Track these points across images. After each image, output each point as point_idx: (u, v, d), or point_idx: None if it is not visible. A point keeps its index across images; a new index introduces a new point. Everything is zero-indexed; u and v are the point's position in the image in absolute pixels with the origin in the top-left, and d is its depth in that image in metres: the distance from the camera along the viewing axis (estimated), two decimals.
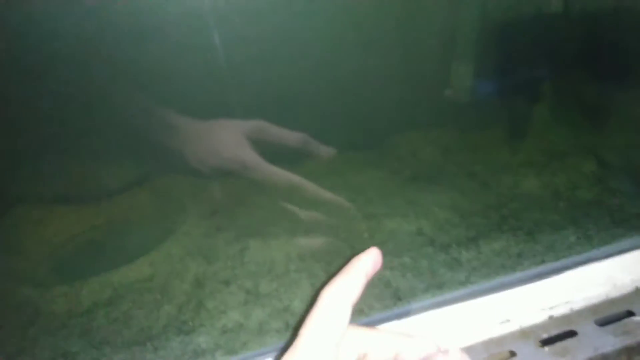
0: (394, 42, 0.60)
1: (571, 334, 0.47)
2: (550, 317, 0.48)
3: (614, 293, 0.49)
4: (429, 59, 0.61)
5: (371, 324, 0.45)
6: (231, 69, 0.50)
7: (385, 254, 0.51)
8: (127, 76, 0.47)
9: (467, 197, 0.57)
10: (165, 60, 0.47)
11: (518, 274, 0.48)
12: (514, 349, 0.46)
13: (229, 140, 0.50)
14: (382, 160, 0.64)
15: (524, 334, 0.47)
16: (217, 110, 0.48)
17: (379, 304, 0.46)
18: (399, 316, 0.46)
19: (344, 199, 0.56)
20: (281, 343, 0.43)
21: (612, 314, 0.48)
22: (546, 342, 0.47)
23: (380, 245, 0.52)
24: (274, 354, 0.43)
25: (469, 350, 0.46)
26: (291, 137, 0.54)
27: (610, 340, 0.46)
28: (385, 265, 0.49)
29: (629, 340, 0.45)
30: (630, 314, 0.48)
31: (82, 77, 0.47)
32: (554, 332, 0.47)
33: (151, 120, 0.49)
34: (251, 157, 0.50)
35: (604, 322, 0.48)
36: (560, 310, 0.48)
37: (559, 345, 0.46)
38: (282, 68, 0.54)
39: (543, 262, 0.49)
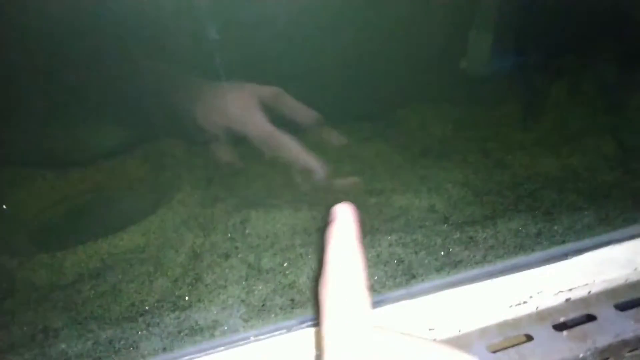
0: (408, 8, 0.56)
1: (590, 318, 0.45)
2: (568, 300, 0.46)
3: (634, 277, 0.47)
4: (444, 26, 0.57)
5: (384, 302, 0.42)
6: (245, 29, 0.46)
7: (396, 230, 0.48)
8: (125, 28, 0.42)
9: (480, 174, 0.54)
10: (172, 13, 0.43)
11: (536, 255, 0.46)
12: (530, 333, 0.43)
13: (241, 102, 0.47)
14: (390, 133, 0.61)
15: (541, 317, 0.45)
16: (230, 70, 0.44)
17: (391, 281, 0.43)
18: (412, 295, 0.43)
19: (354, 178, 0.53)
20: (287, 322, 0.40)
21: (632, 298, 0.46)
22: (564, 327, 0.44)
23: (391, 221, 0.49)
24: (280, 332, 0.39)
25: (483, 332, 0.44)
26: (306, 113, 0.51)
27: (631, 326, 0.43)
28: (397, 241, 0.46)
29: None
30: None
31: (72, 28, 0.42)
32: (572, 315, 0.45)
33: (157, 77, 0.45)
34: (262, 122, 0.47)
35: (624, 307, 0.46)
36: (578, 293, 0.46)
37: (577, 329, 0.44)
38: (293, 33, 0.50)
39: (563, 242, 0.46)
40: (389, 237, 0.46)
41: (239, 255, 0.44)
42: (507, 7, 0.53)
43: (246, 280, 0.42)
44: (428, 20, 0.57)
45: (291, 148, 0.49)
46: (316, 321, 0.41)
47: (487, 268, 0.45)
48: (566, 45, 0.56)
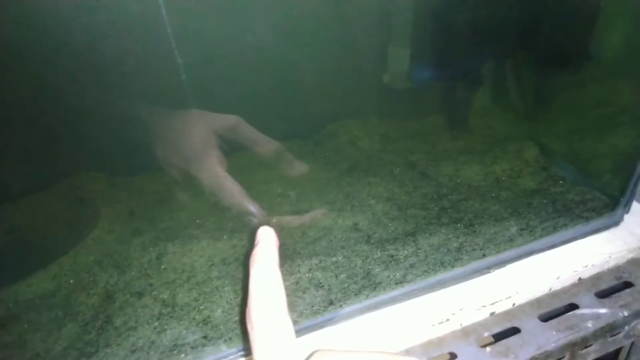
0: (329, 27, 0.56)
1: (514, 331, 0.45)
2: (492, 314, 0.46)
3: (557, 285, 0.47)
4: (365, 43, 0.57)
5: (302, 331, 0.42)
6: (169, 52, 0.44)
7: (318, 253, 0.47)
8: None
9: (406, 188, 0.54)
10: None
11: (457, 270, 0.45)
12: (454, 351, 0.43)
13: (197, 138, 0.44)
14: (319, 150, 0.60)
15: (465, 333, 0.44)
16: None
17: (309, 309, 0.42)
18: (332, 321, 0.42)
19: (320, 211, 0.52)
20: None
21: (555, 307, 0.46)
22: (489, 342, 0.44)
23: (313, 244, 0.49)
24: None
25: (407, 353, 0.43)
26: (266, 144, 0.48)
27: (553, 337, 0.43)
28: (318, 265, 0.45)
29: (572, 336, 0.43)
30: (574, 306, 0.46)
31: None
32: (497, 329, 0.45)
33: (102, 109, 0.43)
34: (213, 165, 0.44)
35: (547, 317, 0.46)
36: (502, 307, 0.46)
37: (501, 344, 0.43)
38: (219, 51, 0.48)
39: (484, 256, 0.46)
40: (310, 261, 0.46)
41: (153, 293, 0.43)
42: (421, 20, 0.53)
43: (159, 319, 0.41)
44: (351, 36, 0.57)
45: (234, 194, 0.46)
46: (230, 356, 0.40)
47: (408, 287, 0.44)
48: (485, 53, 0.56)
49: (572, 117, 0.55)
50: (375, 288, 0.44)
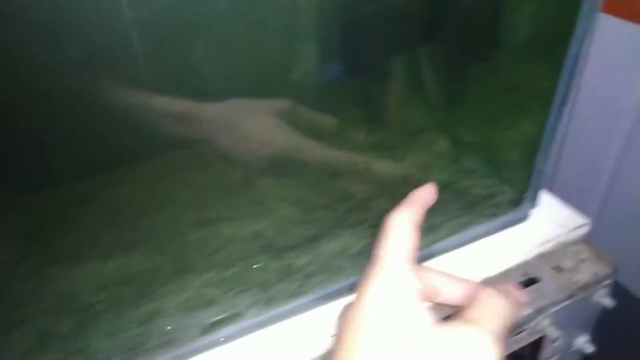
0: (233, 25, 0.52)
1: None
2: None
3: None
4: (270, 40, 0.53)
5: (194, 351, 0.40)
6: None
7: (215, 266, 0.45)
8: None
9: (315, 188, 0.52)
10: None
11: (353, 279, 0.44)
12: None
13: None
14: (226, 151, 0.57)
15: None
16: None
17: (196, 330, 0.40)
18: (221, 342, 0.40)
19: None
20: None
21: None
22: None
23: (211, 256, 0.46)
24: None
25: None
26: (325, 121, 0.50)
27: None
28: (211, 280, 0.43)
29: None
30: None
31: None
32: None
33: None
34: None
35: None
36: None
37: None
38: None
39: None
40: (205, 276, 0.44)
41: (29, 323, 0.40)
42: (328, 14, 0.50)
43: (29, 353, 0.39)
44: (255, 33, 0.54)
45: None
46: None
47: (303, 299, 0.43)
48: (395, 46, 0.53)
49: (482, 107, 0.53)
50: (268, 302, 0.42)
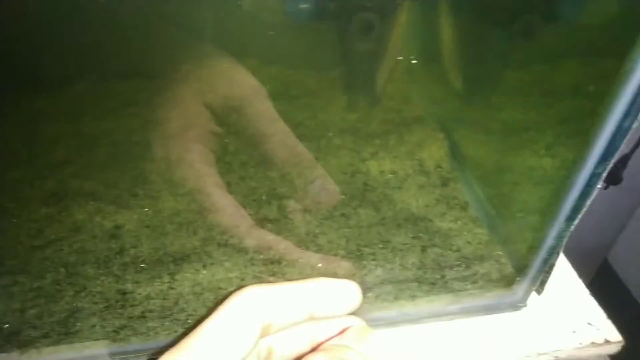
0: None
1: None
2: None
3: None
4: None
5: None
6: None
7: (24, 270, 0.32)
8: None
9: (231, 175, 0.36)
10: None
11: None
12: None
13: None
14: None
15: None
16: None
17: None
18: None
19: None
20: None
21: None
22: None
23: (32, 251, 0.33)
24: None
25: None
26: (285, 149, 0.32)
27: None
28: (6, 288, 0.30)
29: None
30: None
31: None
32: None
33: None
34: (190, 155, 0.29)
35: None
36: None
37: None
38: None
39: None
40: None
41: None
42: None
43: None
44: None
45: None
46: None
47: (116, 348, 0.28)
48: None
49: (514, 108, 0.33)
50: (63, 339, 0.28)
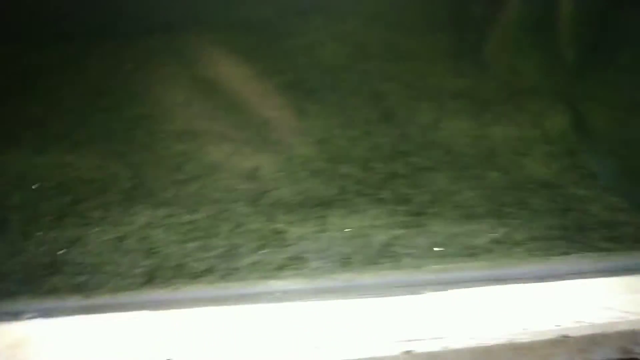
0: None
1: None
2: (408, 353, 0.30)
3: (523, 338, 0.30)
4: None
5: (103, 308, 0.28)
6: None
7: (172, 202, 0.32)
8: None
9: (354, 129, 0.37)
10: None
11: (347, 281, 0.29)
12: None
13: None
14: (263, 51, 0.43)
15: None
16: None
17: (119, 281, 0.29)
18: (146, 305, 0.28)
19: None
20: None
21: None
22: None
23: (177, 186, 0.34)
24: None
25: None
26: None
27: None
28: (162, 221, 0.31)
29: None
30: None
31: None
32: None
33: None
34: None
35: None
36: (423, 347, 0.30)
37: None
38: None
39: (417, 268, 0.30)
40: (154, 212, 0.31)
41: None
42: None
43: None
44: None
45: None
46: None
47: (274, 286, 0.29)
48: None
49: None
50: (227, 274, 0.29)
